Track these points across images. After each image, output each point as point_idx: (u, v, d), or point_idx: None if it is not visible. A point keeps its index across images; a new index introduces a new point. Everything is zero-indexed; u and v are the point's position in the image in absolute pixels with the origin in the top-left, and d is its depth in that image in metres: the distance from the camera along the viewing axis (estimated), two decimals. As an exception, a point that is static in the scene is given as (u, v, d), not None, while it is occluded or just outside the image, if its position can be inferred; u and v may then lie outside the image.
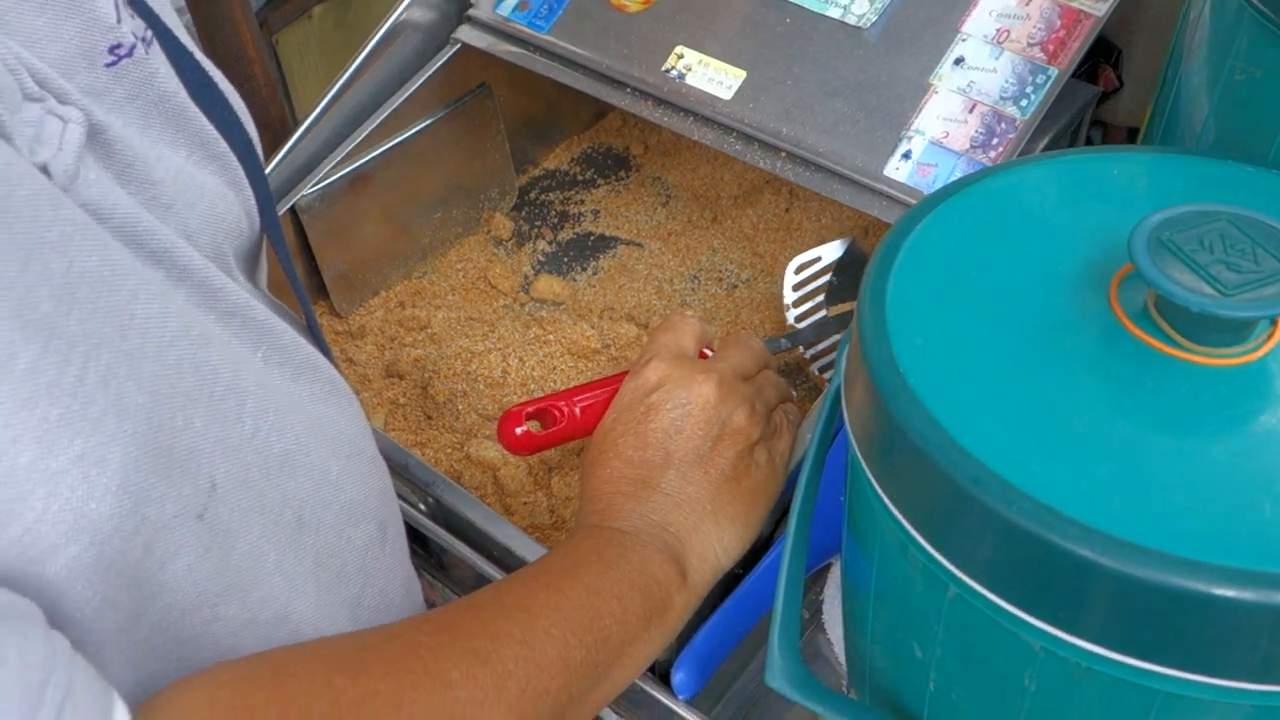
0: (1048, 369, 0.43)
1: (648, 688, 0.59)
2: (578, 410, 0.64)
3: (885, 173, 0.73)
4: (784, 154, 0.76)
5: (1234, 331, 0.42)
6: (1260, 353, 0.42)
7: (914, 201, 0.71)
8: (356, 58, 0.87)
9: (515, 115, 0.98)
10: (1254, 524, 0.38)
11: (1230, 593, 0.36)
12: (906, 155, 0.73)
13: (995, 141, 0.71)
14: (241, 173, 0.50)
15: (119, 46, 0.42)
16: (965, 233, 0.49)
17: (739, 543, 0.59)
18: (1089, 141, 0.95)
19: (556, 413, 0.64)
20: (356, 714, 0.40)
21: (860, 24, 0.77)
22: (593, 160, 1.04)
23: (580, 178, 1.02)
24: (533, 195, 1.00)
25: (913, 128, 0.73)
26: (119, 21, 0.42)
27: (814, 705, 0.49)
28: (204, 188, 0.47)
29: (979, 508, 0.39)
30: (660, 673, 0.60)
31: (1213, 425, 0.41)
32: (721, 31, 0.81)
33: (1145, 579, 0.36)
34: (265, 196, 0.52)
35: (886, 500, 0.44)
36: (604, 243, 0.95)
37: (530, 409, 0.64)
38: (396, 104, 0.87)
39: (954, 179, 0.70)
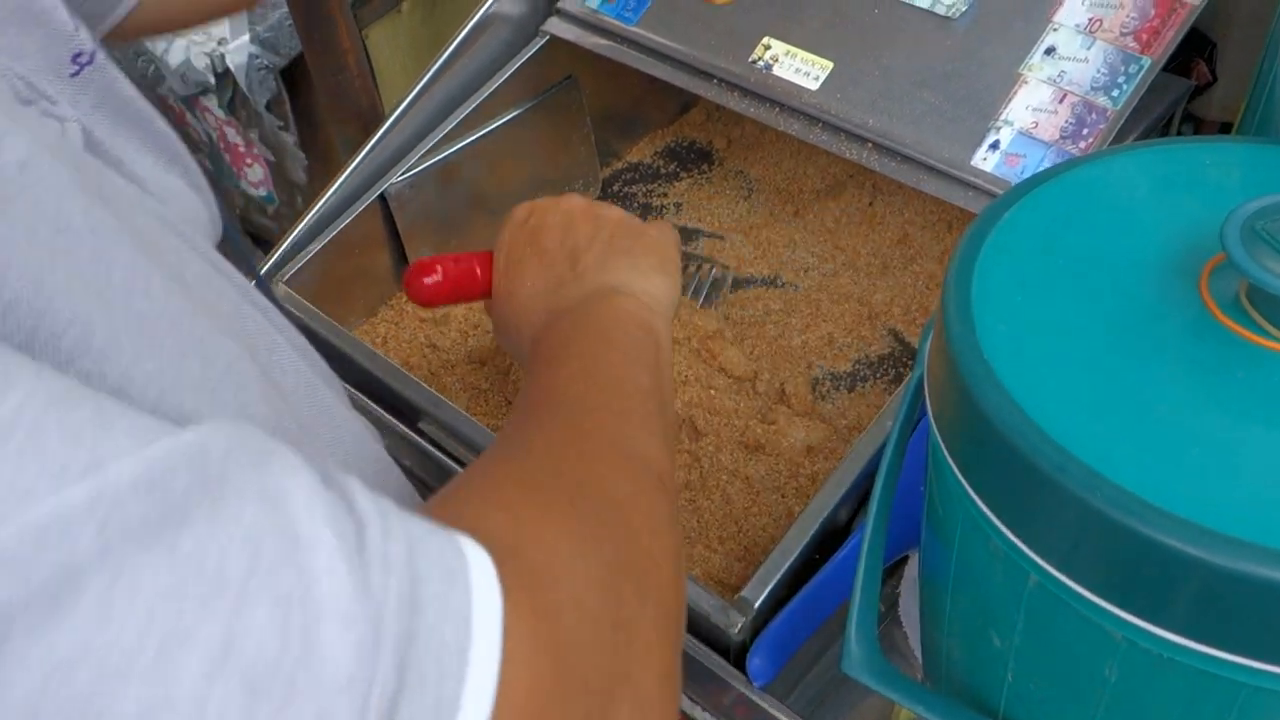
0: (1135, 358, 0.43)
1: (723, 674, 0.60)
2: (478, 270, 0.66)
3: (973, 163, 0.72)
4: (870, 145, 0.76)
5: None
6: (1357, 344, 0.41)
7: (1001, 192, 0.71)
8: (446, 49, 0.89)
9: (600, 108, 0.99)
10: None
11: (1322, 587, 0.35)
12: (994, 146, 0.72)
13: (1085, 132, 0.70)
14: (202, 175, 0.50)
15: (81, 54, 0.42)
16: (1053, 222, 0.48)
17: (668, 287, 0.60)
18: (1180, 136, 0.93)
19: (463, 266, 0.66)
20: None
21: (950, 14, 0.76)
22: (676, 154, 1.04)
23: (663, 170, 1.03)
24: (616, 187, 1.01)
25: (1001, 118, 0.73)
26: (76, 29, 0.42)
27: (891, 693, 0.49)
28: (174, 189, 0.46)
29: (1064, 495, 0.39)
30: (735, 658, 0.60)
31: (1306, 417, 0.40)
32: (809, 22, 0.81)
33: (1233, 569, 0.36)
34: (220, 201, 0.52)
35: (969, 488, 0.44)
36: (686, 235, 0.96)
37: (439, 263, 0.66)
38: (484, 95, 0.89)
39: (1044, 166, 0.69)
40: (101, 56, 0.43)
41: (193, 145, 2.01)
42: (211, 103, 1.82)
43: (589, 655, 0.31)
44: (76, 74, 0.42)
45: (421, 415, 0.73)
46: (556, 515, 0.36)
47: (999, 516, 0.43)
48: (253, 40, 1.74)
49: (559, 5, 0.90)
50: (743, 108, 0.81)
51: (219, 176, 2.04)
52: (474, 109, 0.89)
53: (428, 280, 0.65)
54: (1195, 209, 0.47)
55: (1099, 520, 0.38)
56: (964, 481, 0.44)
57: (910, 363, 0.82)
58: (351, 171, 0.84)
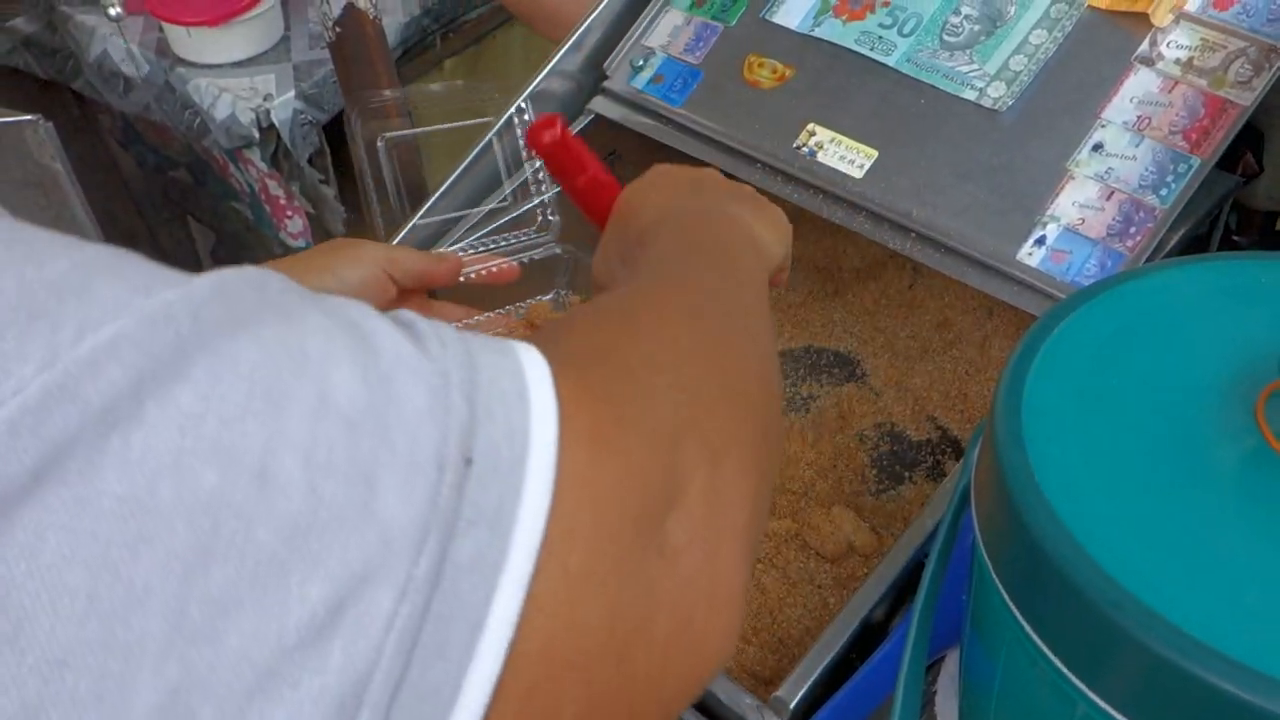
0: (1191, 487, 0.42)
1: (760, 772, 0.59)
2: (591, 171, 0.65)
3: (1018, 258, 0.72)
4: (914, 235, 0.76)
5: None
6: None
7: (1047, 289, 0.71)
8: (495, 126, 0.90)
9: (645, 166, 1.00)
10: None
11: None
12: (1040, 241, 0.72)
13: (1133, 230, 0.70)
14: None
15: None
16: (1107, 338, 0.48)
17: (780, 250, 0.59)
18: (1227, 229, 0.92)
19: (578, 151, 0.65)
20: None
21: (996, 106, 0.77)
22: (716, 227, 1.05)
23: (703, 244, 1.03)
24: (656, 260, 1.02)
25: (1048, 213, 0.73)
26: None
27: (931, 809, 0.48)
28: None
29: (1117, 632, 0.38)
30: (773, 758, 0.60)
31: (1367, 556, 0.39)
32: (854, 110, 0.81)
33: (1292, 719, 0.35)
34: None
35: (1015, 611, 0.43)
36: (725, 311, 0.96)
37: (563, 129, 0.65)
38: (528, 173, 0.90)
39: (1089, 267, 0.69)
40: None
41: (235, 195, 2.05)
42: (255, 155, 1.85)
43: (642, 400, 0.33)
44: None
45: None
46: (612, 314, 0.39)
47: (1047, 644, 0.42)
48: (297, 96, 1.77)
49: (605, 85, 0.92)
50: (786, 193, 0.81)
51: (259, 226, 2.07)
52: (520, 184, 0.90)
53: (546, 136, 0.64)
54: (1252, 330, 0.47)
55: (1154, 660, 0.37)
56: (1011, 605, 0.44)
57: (949, 451, 0.82)
58: (396, 244, 0.85)
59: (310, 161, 1.85)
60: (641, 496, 0.31)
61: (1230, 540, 0.40)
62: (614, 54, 0.92)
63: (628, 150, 0.96)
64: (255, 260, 1.39)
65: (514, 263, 0.83)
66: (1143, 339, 0.48)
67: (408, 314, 0.30)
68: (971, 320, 0.90)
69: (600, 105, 0.91)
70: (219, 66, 1.82)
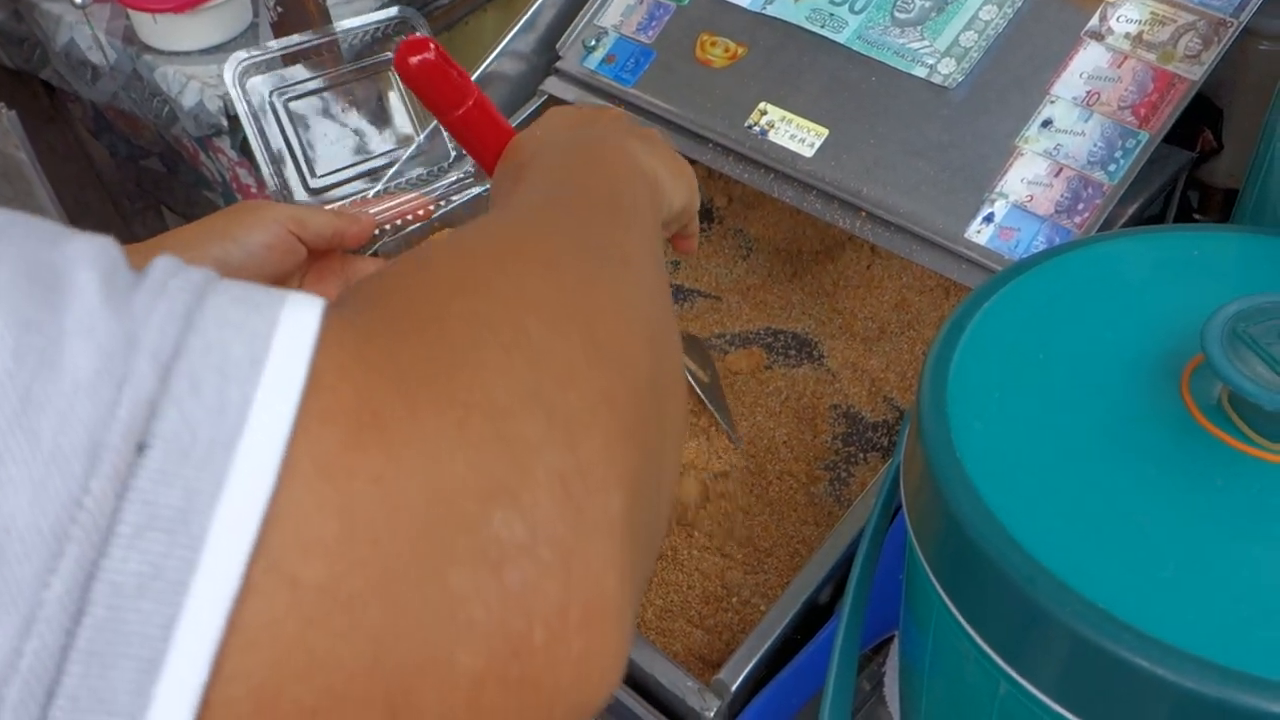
0: (1114, 461, 0.42)
1: (700, 756, 0.59)
2: (472, 101, 0.58)
3: (966, 235, 0.72)
4: (864, 214, 0.75)
5: (1313, 431, 0.40)
6: (1342, 454, 0.40)
7: (995, 266, 0.70)
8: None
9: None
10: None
11: (1298, 711, 0.34)
12: (989, 218, 0.71)
13: (1081, 207, 0.70)
14: None
15: None
16: (1034, 314, 0.48)
17: (677, 188, 0.56)
18: (1185, 204, 0.92)
19: (456, 78, 0.58)
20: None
21: (946, 83, 0.76)
22: (677, 209, 1.04)
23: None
24: (615, 243, 1.01)
25: (996, 190, 0.72)
26: None
27: (863, 789, 0.48)
28: None
29: (1034, 609, 0.38)
30: (713, 741, 0.59)
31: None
32: (805, 89, 0.80)
33: (1201, 692, 0.35)
34: None
35: (940, 589, 0.43)
36: (682, 294, 0.95)
37: (438, 51, 0.57)
38: (449, 180, 0.89)
39: (1037, 244, 0.69)
40: None
41: (207, 184, 2.03)
42: (224, 143, 1.83)
43: (457, 370, 0.27)
44: None
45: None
46: (437, 270, 0.32)
47: (970, 622, 0.42)
48: (266, 83, 1.75)
49: (558, 65, 0.91)
50: (737, 173, 0.80)
51: (232, 214, 2.05)
52: (471, 166, 0.89)
53: (414, 59, 0.56)
54: (1180, 304, 0.46)
55: (1071, 637, 0.37)
56: (936, 583, 0.43)
57: (904, 432, 0.81)
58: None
59: (280, 149, 1.83)
60: (433, 491, 0.24)
61: (1152, 516, 0.40)
62: (567, 34, 0.91)
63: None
64: None
65: (425, 197, 0.79)
66: (1071, 313, 0.47)
67: (162, 258, 0.25)
68: (929, 300, 0.89)
69: (553, 86, 0.91)
70: (186, 54, 1.81)
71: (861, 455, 0.80)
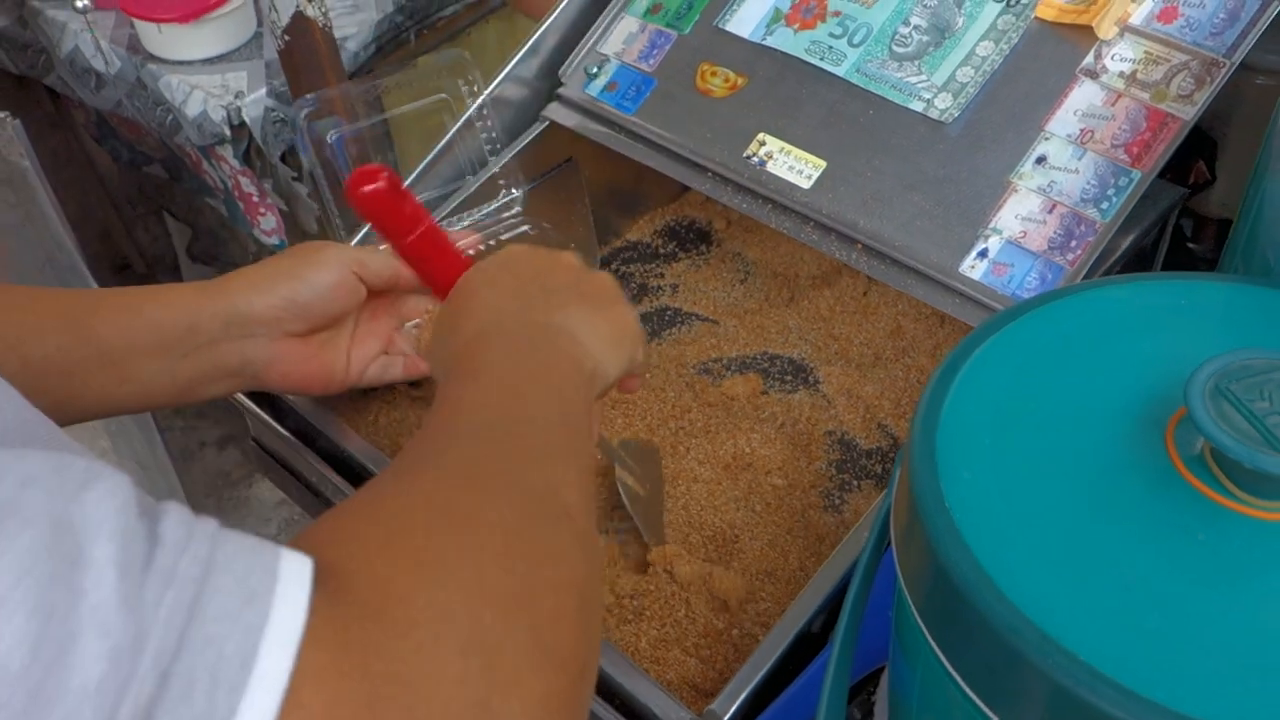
0: (1099, 512, 0.43)
1: (692, 784, 0.60)
2: (422, 229, 0.61)
3: (960, 270, 0.73)
4: (860, 246, 0.76)
5: (1292, 485, 0.41)
6: (1319, 509, 0.41)
7: (989, 301, 0.71)
8: (450, 130, 0.90)
9: (601, 186, 1.00)
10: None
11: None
12: (983, 254, 0.72)
13: (1074, 244, 0.71)
14: None
15: None
16: (1025, 360, 0.49)
17: (615, 359, 0.58)
18: (1179, 233, 0.93)
19: (408, 207, 0.61)
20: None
21: (942, 118, 0.77)
22: (675, 233, 1.05)
23: (662, 250, 1.03)
24: (615, 266, 1.02)
25: (990, 226, 0.73)
26: None
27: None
28: None
29: (1017, 658, 0.39)
30: (706, 769, 0.60)
31: (1265, 583, 0.40)
32: (804, 120, 0.81)
33: (1180, 747, 0.36)
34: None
35: (926, 633, 0.44)
36: (680, 317, 0.96)
37: (390, 181, 0.60)
38: (485, 176, 0.90)
39: (1029, 281, 0.70)
40: None
41: (209, 191, 2.04)
42: (227, 152, 1.84)
43: (421, 679, 0.30)
44: None
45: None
46: (406, 543, 0.35)
47: (955, 667, 0.43)
48: (269, 94, 1.76)
49: (560, 91, 0.92)
50: (735, 202, 0.81)
51: (233, 222, 2.06)
52: (475, 190, 0.90)
53: (367, 188, 0.58)
54: (1167, 354, 0.47)
55: (1050, 685, 0.38)
56: (923, 626, 0.44)
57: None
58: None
59: (283, 159, 1.84)
60: None
61: (1134, 568, 0.41)
62: (569, 60, 0.92)
63: (583, 157, 0.96)
64: (231, 256, 1.42)
65: (476, 234, 0.82)
66: (1060, 361, 0.48)
67: (172, 516, 0.28)
68: (924, 328, 0.91)
69: (555, 112, 0.92)
70: (190, 63, 1.82)
71: (855, 483, 0.81)
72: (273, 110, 1.81)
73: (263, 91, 1.79)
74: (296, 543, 0.32)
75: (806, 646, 0.64)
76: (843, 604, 0.54)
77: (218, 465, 2.36)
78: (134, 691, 0.24)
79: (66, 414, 0.64)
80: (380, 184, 0.58)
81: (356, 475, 0.77)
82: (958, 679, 0.42)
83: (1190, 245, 0.98)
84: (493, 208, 0.91)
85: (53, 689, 0.23)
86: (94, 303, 0.65)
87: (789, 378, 0.90)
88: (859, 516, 0.78)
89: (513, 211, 0.93)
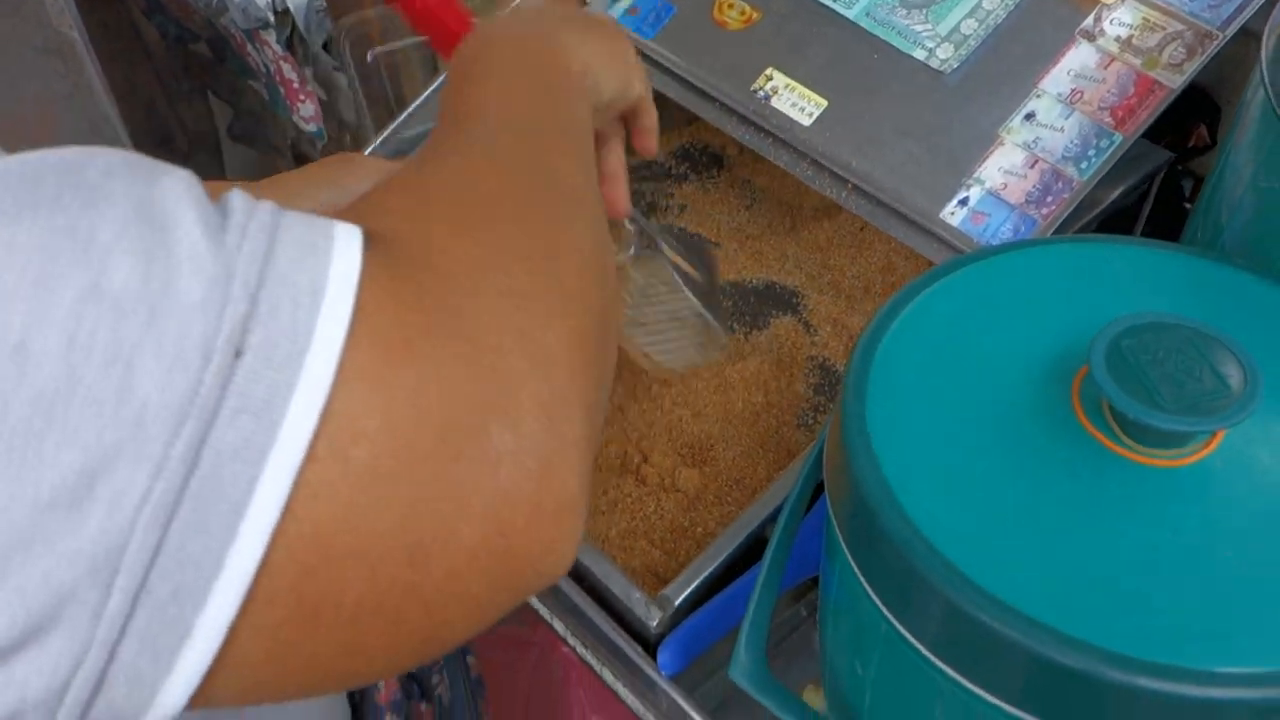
0: (1006, 451, 0.48)
1: (639, 662, 0.67)
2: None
3: (941, 216, 0.77)
4: (850, 186, 0.80)
5: (1172, 439, 0.46)
6: (1194, 458, 0.46)
7: (963, 248, 0.76)
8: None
9: (622, 104, 1.04)
10: (1163, 619, 0.42)
11: (1119, 677, 0.41)
12: (963, 202, 0.77)
13: (1050, 199, 0.75)
14: None
15: None
16: (961, 309, 0.54)
17: (609, 76, 0.60)
18: (1179, 193, 0.96)
19: None
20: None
21: (942, 68, 0.80)
22: (689, 155, 1.09)
23: (674, 171, 1.08)
24: (629, 183, 1.06)
25: (974, 176, 0.77)
26: None
27: (767, 703, 0.55)
28: None
29: (916, 575, 0.44)
30: (652, 650, 0.67)
31: (1140, 519, 0.45)
32: (812, 58, 0.85)
33: (1047, 656, 0.41)
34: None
35: (844, 545, 0.50)
36: (685, 237, 1.01)
37: None
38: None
39: (1003, 230, 0.74)
40: None
41: (252, 73, 2.08)
42: (270, 36, 1.87)
43: (466, 309, 0.34)
44: None
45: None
46: (441, 210, 0.39)
47: (866, 578, 0.48)
48: (315, -18, 1.79)
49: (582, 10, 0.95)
50: (739, 134, 0.85)
51: (274, 106, 2.10)
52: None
53: None
54: (1085, 311, 0.52)
55: (945, 602, 0.44)
56: (842, 539, 0.50)
57: (872, 388, 0.88)
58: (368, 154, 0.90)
59: (325, 48, 1.87)
60: (448, 404, 0.32)
61: (1028, 502, 0.46)
62: (596, -19, 0.96)
63: (604, 76, 1.00)
64: (270, 138, 1.49)
65: None
66: (993, 312, 0.53)
67: (236, 196, 0.32)
68: (913, 267, 0.95)
69: (579, 31, 0.95)
70: (239, -55, 1.84)
71: (830, 405, 0.87)
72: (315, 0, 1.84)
73: (308, -20, 1.81)
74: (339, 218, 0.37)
75: (757, 549, 0.70)
76: (781, 509, 0.60)
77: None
78: (230, 311, 0.28)
79: None
80: None
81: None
82: (866, 586, 0.48)
83: (1187, 205, 1.02)
84: None
85: (166, 307, 0.28)
86: None
87: (781, 304, 0.95)
88: (829, 438, 0.84)
89: None
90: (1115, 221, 0.83)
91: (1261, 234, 0.58)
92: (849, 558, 0.50)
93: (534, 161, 0.45)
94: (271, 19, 1.82)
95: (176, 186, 0.30)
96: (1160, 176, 0.84)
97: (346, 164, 0.73)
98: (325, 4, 1.85)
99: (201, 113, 2.59)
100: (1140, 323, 0.47)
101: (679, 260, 0.77)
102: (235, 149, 2.61)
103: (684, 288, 0.76)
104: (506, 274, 0.36)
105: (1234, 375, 0.45)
